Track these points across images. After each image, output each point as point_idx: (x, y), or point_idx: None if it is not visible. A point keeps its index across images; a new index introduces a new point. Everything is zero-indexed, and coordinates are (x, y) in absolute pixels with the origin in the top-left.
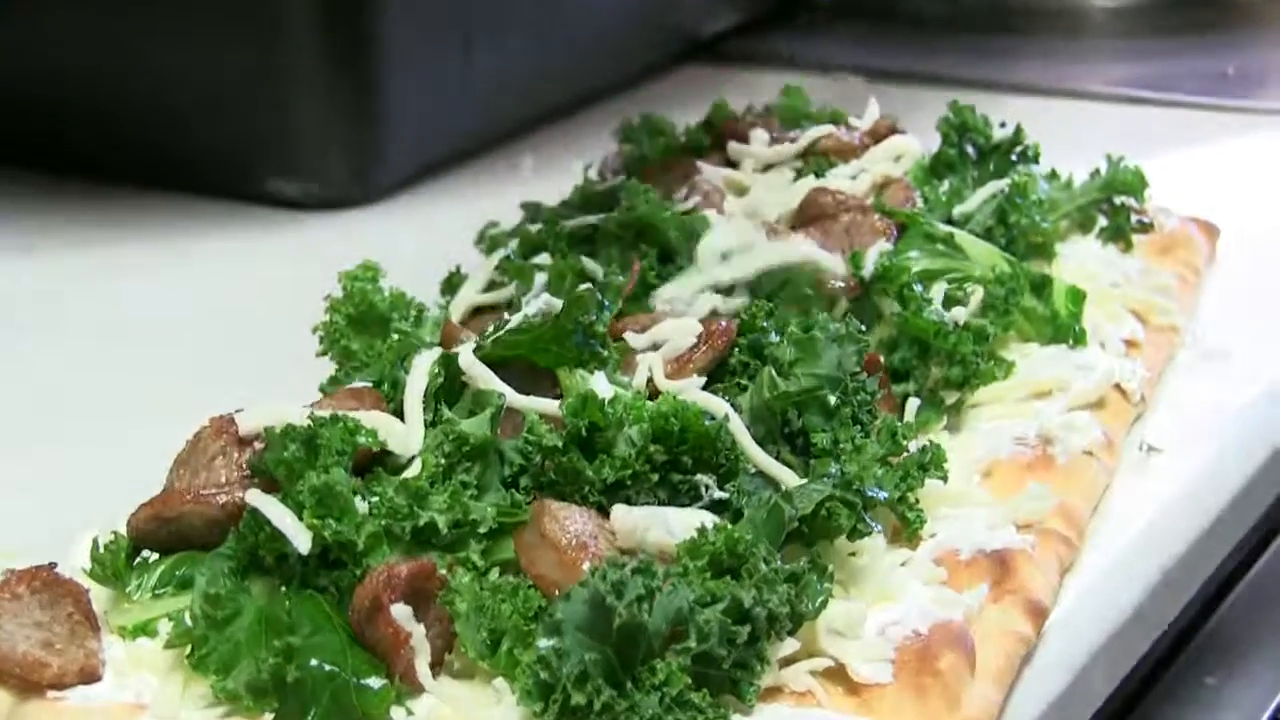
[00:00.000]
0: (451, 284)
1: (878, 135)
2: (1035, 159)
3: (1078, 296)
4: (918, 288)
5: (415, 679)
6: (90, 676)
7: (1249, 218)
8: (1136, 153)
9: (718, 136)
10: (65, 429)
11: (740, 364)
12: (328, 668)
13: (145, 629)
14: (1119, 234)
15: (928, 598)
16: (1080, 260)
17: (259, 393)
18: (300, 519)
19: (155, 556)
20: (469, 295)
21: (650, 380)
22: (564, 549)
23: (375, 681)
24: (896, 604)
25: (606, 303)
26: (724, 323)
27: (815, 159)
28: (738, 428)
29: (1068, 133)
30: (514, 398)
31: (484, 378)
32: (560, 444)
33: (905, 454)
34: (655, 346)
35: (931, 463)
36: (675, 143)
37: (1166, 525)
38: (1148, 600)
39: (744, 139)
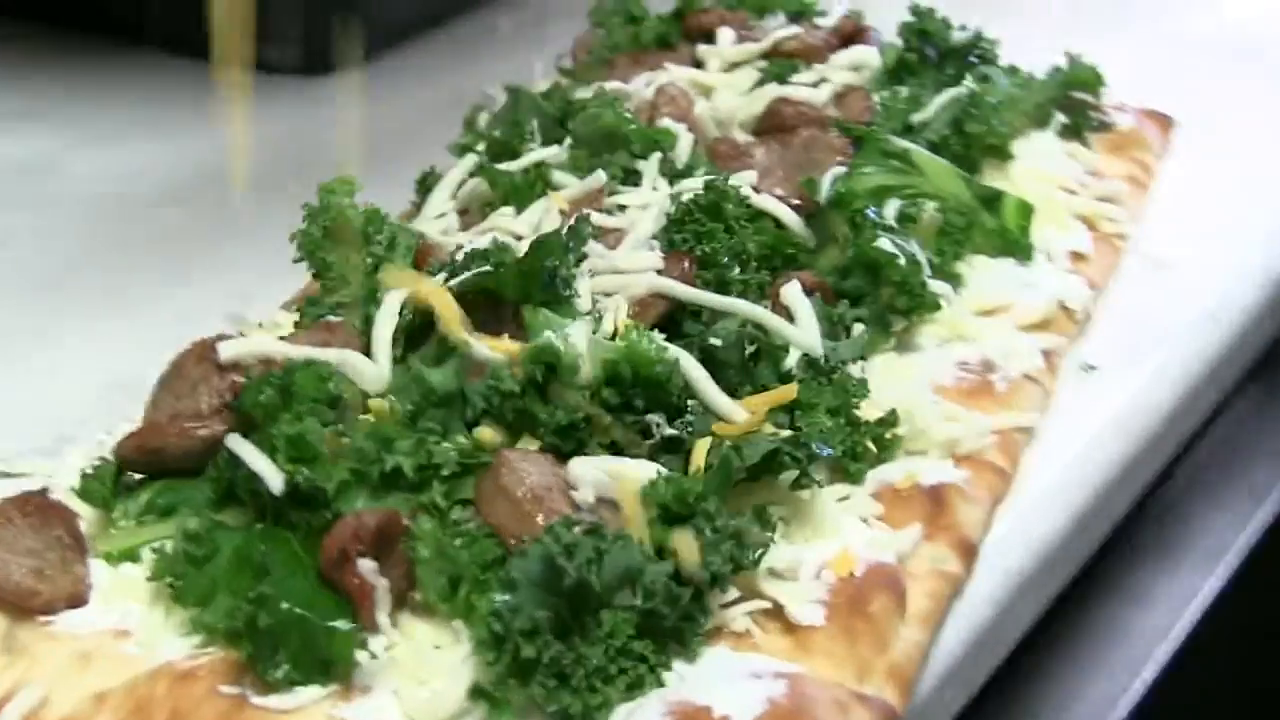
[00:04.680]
0: (426, 184)
1: (843, 34)
2: (993, 60)
3: (1026, 211)
4: (870, 214)
5: (375, 626)
6: (77, 601)
7: (1204, 107)
8: (1095, 34)
9: (687, 29)
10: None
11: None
12: (298, 611)
13: (130, 555)
14: (1075, 132)
15: (863, 540)
16: (1035, 160)
17: (234, 266)
18: (274, 461)
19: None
20: (440, 201)
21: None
22: (519, 501)
23: (342, 624)
24: (834, 542)
25: (573, 247)
26: (685, 263)
27: (779, 61)
28: (690, 368)
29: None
30: (479, 347)
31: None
32: (518, 389)
33: (856, 408)
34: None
35: (886, 442)
36: (645, 33)
37: (1096, 455)
38: (1075, 530)
39: (711, 36)
